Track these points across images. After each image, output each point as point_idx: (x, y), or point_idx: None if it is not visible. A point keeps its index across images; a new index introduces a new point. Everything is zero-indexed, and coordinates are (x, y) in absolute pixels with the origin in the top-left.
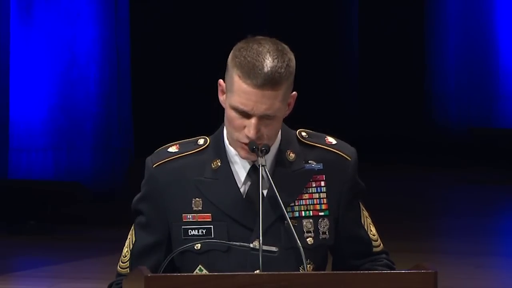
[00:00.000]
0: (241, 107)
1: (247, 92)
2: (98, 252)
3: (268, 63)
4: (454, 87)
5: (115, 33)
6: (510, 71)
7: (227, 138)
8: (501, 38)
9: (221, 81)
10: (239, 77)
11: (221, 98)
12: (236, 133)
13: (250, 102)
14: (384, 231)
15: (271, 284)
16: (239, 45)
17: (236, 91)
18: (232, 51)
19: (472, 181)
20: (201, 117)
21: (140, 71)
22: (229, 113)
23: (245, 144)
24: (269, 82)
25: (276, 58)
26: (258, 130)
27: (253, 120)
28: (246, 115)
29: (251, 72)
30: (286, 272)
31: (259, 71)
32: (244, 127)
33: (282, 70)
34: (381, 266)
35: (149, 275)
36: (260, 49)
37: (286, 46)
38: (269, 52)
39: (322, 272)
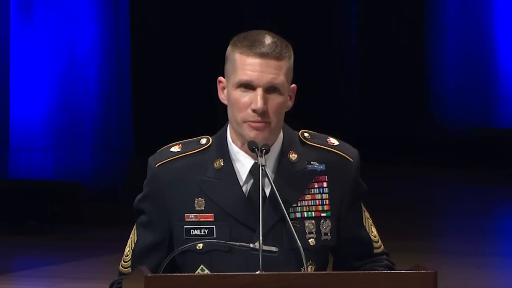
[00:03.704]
0: (245, 78)
1: (251, 64)
2: (98, 252)
3: (269, 38)
4: (454, 87)
5: (115, 33)
6: (510, 71)
7: (231, 136)
8: (500, 38)
9: (220, 78)
10: (242, 53)
11: (222, 96)
12: (241, 114)
13: (255, 72)
14: (384, 231)
15: (271, 284)
16: (237, 36)
17: (240, 68)
18: (229, 45)
19: (472, 181)
20: (201, 117)
21: (140, 71)
22: (234, 95)
23: (253, 121)
24: (272, 51)
25: (275, 38)
26: (264, 101)
27: (259, 91)
28: (251, 88)
29: (253, 45)
30: (286, 272)
31: (261, 43)
32: (250, 103)
33: (283, 47)
34: (381, 267)
35: (149, 275)
36: (259, 31)
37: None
38: (268, 34)
39: (322, 272)
